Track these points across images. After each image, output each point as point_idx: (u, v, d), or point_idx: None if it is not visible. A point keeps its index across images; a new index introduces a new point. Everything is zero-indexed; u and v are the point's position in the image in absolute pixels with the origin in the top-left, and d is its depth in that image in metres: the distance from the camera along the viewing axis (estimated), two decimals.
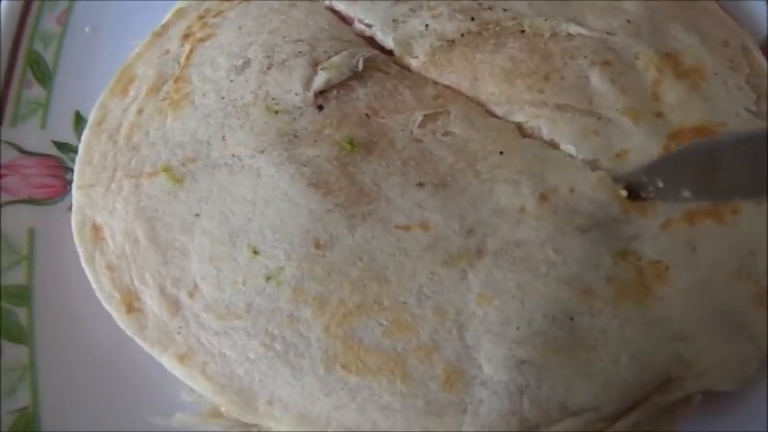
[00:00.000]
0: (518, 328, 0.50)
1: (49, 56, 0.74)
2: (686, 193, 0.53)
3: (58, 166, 0.68)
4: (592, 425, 0.49)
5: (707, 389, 0.51)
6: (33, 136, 0.69)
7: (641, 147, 0.57)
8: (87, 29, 0.76)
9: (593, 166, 0.57)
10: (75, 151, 0.66)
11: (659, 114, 0.59)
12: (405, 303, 0.52)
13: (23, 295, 0.61)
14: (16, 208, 0.64)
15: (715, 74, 0.63)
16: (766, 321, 0.52)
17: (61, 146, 0.69)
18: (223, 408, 0.53)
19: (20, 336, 0.59)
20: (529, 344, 0.50)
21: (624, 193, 0.55)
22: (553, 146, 0.58)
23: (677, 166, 0.54)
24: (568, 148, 0.58)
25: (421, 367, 0.50)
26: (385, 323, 0.51)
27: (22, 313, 0.60)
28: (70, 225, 0.61)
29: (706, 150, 0.53)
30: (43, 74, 0.72)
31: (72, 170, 0.66)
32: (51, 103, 0.71)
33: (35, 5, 0.74)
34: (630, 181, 0.56)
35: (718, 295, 0.53)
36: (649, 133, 0.58)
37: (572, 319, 0.51)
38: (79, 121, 0.70)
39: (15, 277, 0.62)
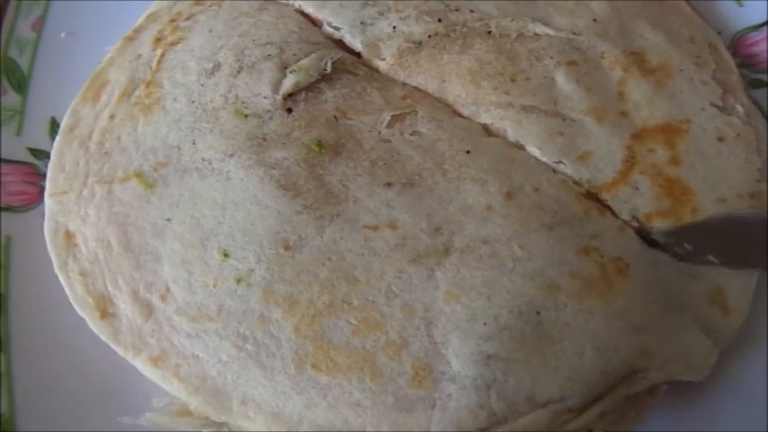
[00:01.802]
0: (485, 323, 0.51)
1: (24, 62, 0.74)
2: (712, 258, 0.55)
3: (34, 172, 0.68)
4: (559, 416, 0.50)
5: (671, 379, 0.52)
6: (9, 143, 0.69)
7: (605, 147, 0.59)
8: (62, 35, 0.76)
9: (557, 168, 0.58)
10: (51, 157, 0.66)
11: (624, 114, 0.61)
12: (373, 302, 0.53)
13: (1, 304, 0.61)
14: None
15: (681, 70, 0.64)
16: (717, 318, 0.54)
17: (36, 152, 0.69)
18: (193, 407, 0.54)
19: None
20: (496, 339, 0.51)
21: None
22: (518, 147, 0.59)
23: (706, 233, 0.56)
24: (533, 150, 0.59)
25: (390, 364, 0.51)
26: (354, 322, 0.52)
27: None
28: None
29: (733, 223, 0.55)
30: (18, 80, 0.73)
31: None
32: (26, 110, 0.72)
33: (10, 12, 0.75)
34: (659, 240, 0.56)
35: (675, 292, 0.54)
36: (613, 133, 0.59)
37: (538, 313, 0.52)
38: (54, 128, 0.70)
39: None
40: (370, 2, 0.66)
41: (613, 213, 0.57)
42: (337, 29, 0.66)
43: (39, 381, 0.59)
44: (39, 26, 0.76)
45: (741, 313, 0.55)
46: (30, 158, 0.69)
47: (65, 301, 0.58)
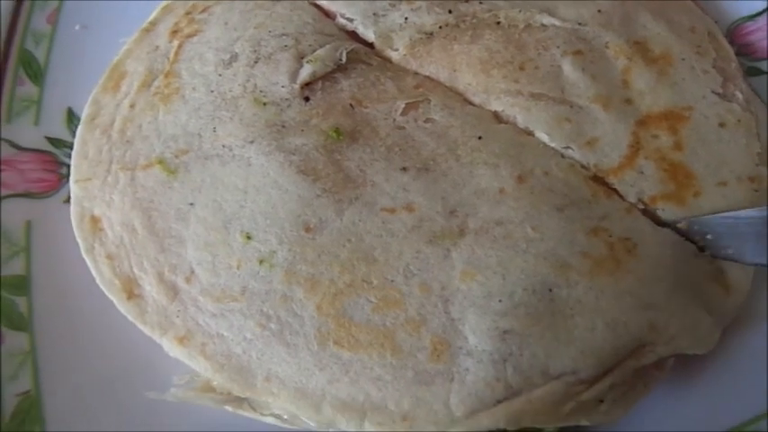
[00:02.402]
0: (500, 300, 0.53)
1: (40, 54, 0.75)
2: (731, 253, 0.56)
3: (52, 160, 0.70)
4: (571, 387, 0.52)
5: (677, 352, 0.55)
6: (27, 132, 0.71)
7: (611, 133, 0.61)
8: (77, 27, 0.77)
9: (565, 153, 0.60)
10: (69, 146, 0.68)
11: (629, 101, 0.63)
12: (392, 281, 0.55)
13: (22, 285, 0.63)
14: (13, 202, 0.67)
15: (682, 59, 0.66)
16: (719, 296, 0.57)
17: (55, 141, 0.71)
18: (216, 383, 0.55)
19: (20, 323, 0.62)
20: (511, 315, 0.53)
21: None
22: (528, 133, 0.62)
23: (729, 226, 0.57)
24: (542, 135, 0.61)
25: (409, 340, 0.53)
26: (374, 300, 0.54)
27: (21, 302, 0.63)
28: (66, 217, 0.63)
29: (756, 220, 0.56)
30: (35, 72, 0.74)
31: (65, 164, 0.69)
32: (44, 100, 0.73)
33: (26, 5, 0.76)
34: (682, 229, 0.58)
35: (680, 271, 0.56)
36: (618, 120, 0.61)
37: (551, 290, 0.54)
38: (71, 117, 0.72)
39: (14, 268, 0.64)
40: None
41: (620, 196, 0.59)
42: (350, 20, 0.67)
43: (61, 359, 0.61)
44: (54, 19, 0.78)
45: (742, 292, 0.58)
46: (48, 147, 0.71)
47: (84, 282, 0.60)
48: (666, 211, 0.58)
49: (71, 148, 0.66)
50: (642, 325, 0.54)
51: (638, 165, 0.60)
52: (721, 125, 0.63)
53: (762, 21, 0.72)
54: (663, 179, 0.59)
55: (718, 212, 0.58)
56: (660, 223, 0.58)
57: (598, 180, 0.60)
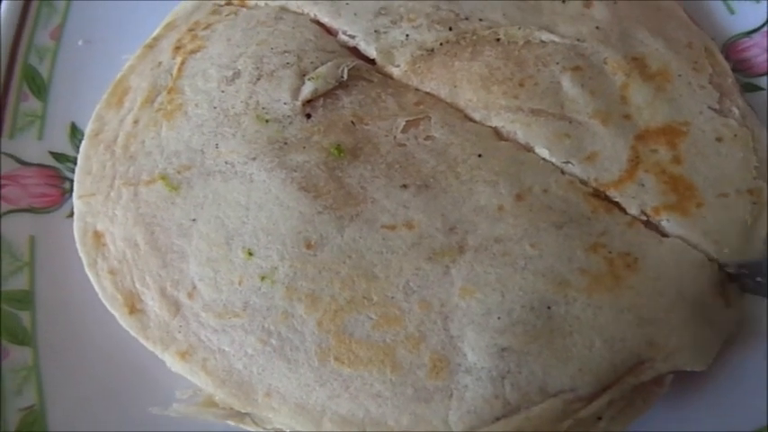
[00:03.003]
0: (499, 318, 0.54)
1: (44, 69, 0.76)
2: None
3: (56, 175, 0.71)
4: (570, 405, 0.52)
5: (676, 369, 0.55)
6: (31, 147, 0.71)
7: (610, 147, 0.61)
8: (80, 42, 0.78)
9: (565, 168, 0.61)
10: (72, 161, 0.69)
11: (627, 116, 0.63)
12: (392, 298, 0.55)
13: (26, 299, 0.64)
14: (17, 217, 0.67)
15: (679, 75, 0.67)
16: (720, 309, 0.57)
17: (58, 156, 0.72)
18: (218, 398, 0.56)
19: (24, 338, 0.62)
20: (509, 332, 0.53)
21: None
22: (528, 149, 0.62)
23: None
24: (542, 151, 0.62)
25: (409, 357, 0.53)
26: (374, 317, 0.55)
27: (25, 317, 0.63)
28: (69, 232, 0.64)
29: None
30: (39, 87, 0.75)
31: (69, 179, 0.69)
32: (47, 115, 0.74)
33: (30, 21, 0.77)
34: (731, 272, 0.59)
35: (684, 284, 0.56)
36: (617, 134, 0.62)
37: (549, 308, 0.54)
38: (75, 132, 0.73)
39: (18, 282, 0.64)
40: (384, 11, 0.69)
41: (622, 209, 0.59)
42: (352, 37, 0.68)
43: (65, 373, 0.62)
44: (57, 34, 0.78)
45: (742, 305, 0.58)
46: (51, 162, 0.71)
47: (88, 297, 0.61)
48: (671, 221, 0.59)
49: (74, 162, 0.67)
50: (641, 341, 0.54)
51: (638, 178, 0.60)
52: (718, 140, 0.63)
53: (757, 37, 0.73)
54: (664, 191, 0.60)
55: (723, 223, 0.59)
56: (665, 234, 0.59)
57: (598, 196, 0.60)
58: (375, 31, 0.68)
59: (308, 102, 0.63)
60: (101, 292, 0.59)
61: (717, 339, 0.56)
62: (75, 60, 0.77)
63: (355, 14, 0.69)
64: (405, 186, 0.59)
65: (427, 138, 0.62)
